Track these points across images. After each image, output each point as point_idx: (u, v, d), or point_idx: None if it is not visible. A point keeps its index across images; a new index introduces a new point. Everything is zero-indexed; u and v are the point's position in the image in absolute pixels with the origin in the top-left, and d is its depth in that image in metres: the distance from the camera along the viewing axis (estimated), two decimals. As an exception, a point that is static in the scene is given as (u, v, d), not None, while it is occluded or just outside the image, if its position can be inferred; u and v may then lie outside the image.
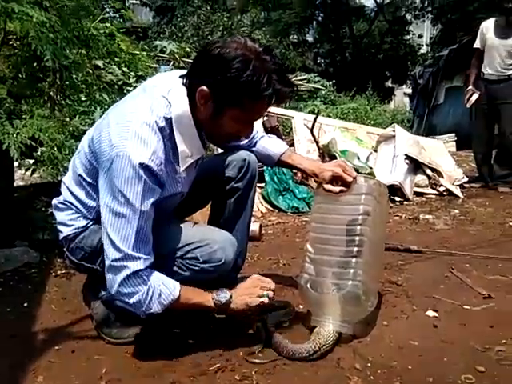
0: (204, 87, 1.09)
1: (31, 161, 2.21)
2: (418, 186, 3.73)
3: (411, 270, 1.98)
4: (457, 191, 3.69)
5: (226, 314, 1.22)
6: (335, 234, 1.33)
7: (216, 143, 1.34)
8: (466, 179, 4.01)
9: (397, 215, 3.10)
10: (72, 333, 1.40)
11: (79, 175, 1.25)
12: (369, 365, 1.19)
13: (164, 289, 1.12)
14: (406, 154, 3.69)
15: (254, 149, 1.51)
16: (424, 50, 19.66)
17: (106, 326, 1.33)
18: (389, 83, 20.38)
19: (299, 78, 9.18)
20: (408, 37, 19.10)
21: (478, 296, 1.65)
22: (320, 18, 19.68)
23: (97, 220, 1.27)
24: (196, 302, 1.17)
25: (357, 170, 3.37)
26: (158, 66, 5.37)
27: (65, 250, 1.35)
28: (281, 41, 16.89)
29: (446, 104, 8.01)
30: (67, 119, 2.52)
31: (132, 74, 3.84)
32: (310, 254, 1.36)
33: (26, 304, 1.63)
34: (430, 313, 1.52)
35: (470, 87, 3.70)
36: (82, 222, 1.29)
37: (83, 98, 2.95)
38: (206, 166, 1.41)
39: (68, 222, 1.30)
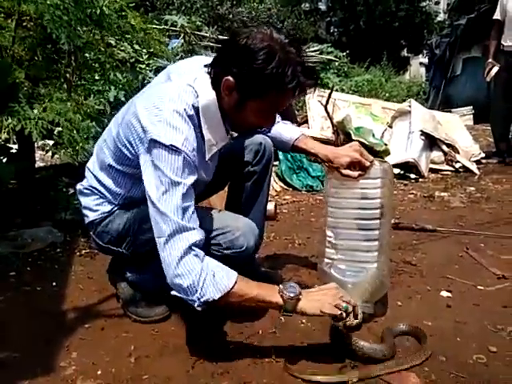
0: (229, 77, 1.09)
1: (51, 142, 2.26)
2: (433, 162, 3.71)
3: (425, 249, 2.01)
4: (473, 167, 3.66)
5: (295, 312, 1.09)
6: (355, 218, 1.35)
7: (239, 132, 1.36)
8: (482, 155, 3.97)
9: (412, 193, 3.10)
10: (100, 311, 1.47)
11: (107, 163, 1.28)
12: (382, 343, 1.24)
13: (219, 271, 1.07)
14: (421, 130, 3.65)
15: (269, 134, 1.53)
16: (441, 17, 18.95)
17: (133, 305, 1.40)
18: (404, 53, 19.81)
19: (312, 49, 8.99)
20: (424, 3, 18.40)
21: (491, 276, 1.68)
22: (334, -15, 19.02)
23: (122, 206, 1.33)
24: (258, 295, 1.08)
25: (372, 148, 3.36)
26: (168, 39, 5.32)
27: (91, 233, 1.40)
28: (292, 10, 16.43)
29: (463, 75, 7.80)
30: (82, 99, 2.55)
31: (144, 51, 3.82)
32: (329, 238, 1.39)
33: (54, 283, 1.70)
34: (444, 293, 1.56)
35: (490, 60, 3.61)
36: (107, 207, 1.33)
37: (96, 77, 2.97)
38: (224, 150, 1.44)
39: (94, 207, 1.34)
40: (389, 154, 3.52)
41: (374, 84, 11.22)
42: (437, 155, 3.73)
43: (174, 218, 1.06)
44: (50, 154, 2.38)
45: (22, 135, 2.15)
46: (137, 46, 3.55)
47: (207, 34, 5.52)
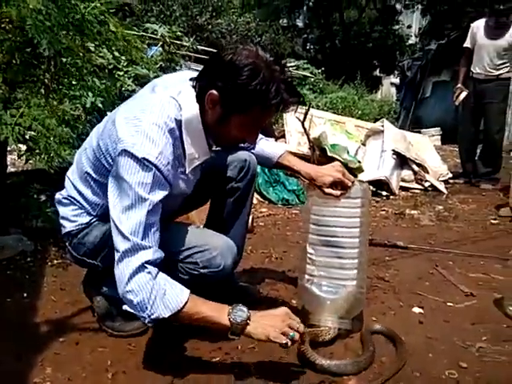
0: (214, 91, 1.11)
1: (23, 147, 2.20)
2: (404, 180, 3.83)
3: (398, 265, 2.07)
4: (441, 187, 3.81)
5: (241, 335, 1.11)
6: (335, 236, 1.38)
7: (222, 146, 1.37)
8: (450, 175, 4.14)
9: (383, 210, 3.19)
10: (74, 324, 1.43)
11: (86, 172, 1.26)
12: (348, 358, 1.26)
13: (170, 290, 1.08)
14: (393, 150, 3.78)
15: (252, 151, 1.54)
16: (412, 40, 19.76)
17: (109, 319, 1.38)
18: (376, 72, 20.47)
19: (289, 64, 9.17)
20: (397, 27, 19.16)
21: (460, 293, 1.74)
22: (311, 3, 19.51)
23: (100, 217, 1.30)
24: (207, 317, 1.10)
25: (346, 164, 3.45)
26: (147, 47, 5.30)
27: (67, 244, 1.38)
28: (270, 25, 16.73)
29: (432, 98, 8.13)
30: (58, 104, 2.50)
31: (123, 58, 3.79)
32: (310, 255, 1.42)
33: (25, 294, 1.65)
34: (416, 309, 1.61)
35: (459, 85, 3.79)
36: (86, 219, 1.31)
37: (73, 82, 2.92)
38: (207, 165, 1.44)
39: (71, 218, 1.32)
40: (362, 171, 3.62)
41: (348, 101, 11.52)
42: (407, 174, 3.86)
43: (131, 236, 1.06)
44: (22, 158, 2.33)
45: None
46: (116, 53, 3.52)
47: (187, 44, 5.54)
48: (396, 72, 18.74)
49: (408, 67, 9.01)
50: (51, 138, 1.95)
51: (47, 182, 2.69)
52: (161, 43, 5.76)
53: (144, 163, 1.07)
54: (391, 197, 3.59)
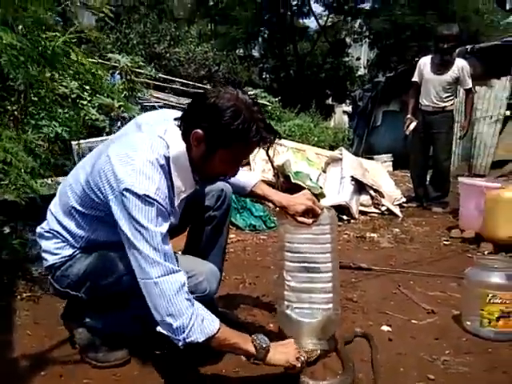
0: (199, 130, 1.19)
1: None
2: (362, 205, 4.03)
3: (364, 286, 2.20)
4: (396, 211, 4.05)
5: (263, 361, 1.22)
6: (310, 262, 1.48)
7: (205, 180, 1.44)
8: (403, 199, 4.40)
9: (345, 233, 3.35)
10: (55, 357, 1.42)
11: (71, 206, 1.30)
12: (338, 377, 1.35)
13: (207, 316, 1.16)
14: (351, 176, 3.99)
15: (228, 180, 1.61)
16: (361, 71, 20.91)
17: (92, 351, 1.38)
18: (329, 101, 21.38)
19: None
20: (347, 58, 20.23)
21: (422, 311, 1.88)
22: (266, 35, 20.26)
23: (83, 249, 1.35)
24: (236, 342, 1.20)
25: (309, 190, 3.59)
26: (110, 75, 5.33)
27: (49, 277, 1.39)
28: (228, 54, 17.17)
29: (382, 126, 8.63)
30: (25, 135, 2.48)
31: (87, 87, 3.80)
32: (287, 281, 1.49)
33: (-4, 330, 1.61)
34: (385, 327, 1.72)
35: (409, 116, 4.09)
36: (69, 251, 1.34)
37: (38, 112, 2.91)
38: (187, 196, 1.50)
39: (54, 251, 1.34)
40: (324, 196, 3.78)
41: (304, 129, 11.93)
42: (365, 199, 4.07)
43: (161, 261, 1.12)
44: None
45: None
46: (79, 82, 3.54)
47: (149, 73, 5.62)
48: (348, 101, 19.71)
49: (360, 97, 9.56)
50: (22, 170, 1.94)
51: (10, 214, 2.62)
52: (118, 71, 5.82)
53: (145, 199, 1.13)
54: (352, 221, 3.76)
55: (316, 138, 11.43)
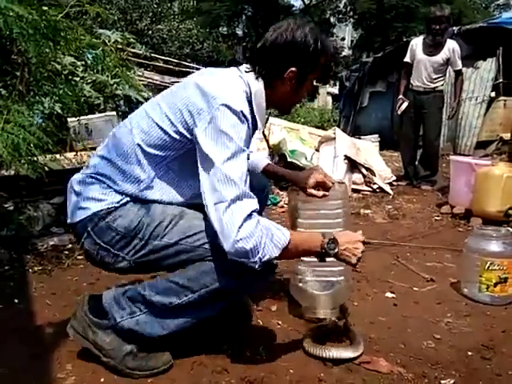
0: (293, 68, 1.24)
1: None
2: (355, 183, 4.13)
3: (364, 258, 2.23)
4: (387, 188, 4.16)
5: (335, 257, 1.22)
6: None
7: (289, 111, 1.46)
8: (394, 178, 4.52)
9: (341, 210, 3.45)
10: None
11: (136, 145, 1.19)
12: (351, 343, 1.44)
13: (275, 230, 1.12)
14: (345, 155, 4.07)
15: None
16: (346, 52, 20.88)
17: (129, 359, 1.20)
18: (314, 82, 21.31)
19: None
20: (332, 39, 20.11)
21: (422, 280, 1.99)
22: (249, 13, 19.94)
23: (134, 197, 1.20)
24: (307, 247, 1.19)
25: (303, 168, 3.67)
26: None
27: (89, 229, 1.18)
28: (210, 32, 16.89)
29: (369, 107, 8.70)
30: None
31: (79, 63, 3.73)
32: None
33: (16, 300, 1.64)
34: (389, 294, 1.83)
35: (401, 96, 4.17)
36: (117, 197, 1.19)
37: (32, 88, 2.87)
38: None
39: (99, 196, 1.18)
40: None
41: (290, 109, 11.97)
42: (358, 177, 4.17)
43: (239, 183, 1.08)
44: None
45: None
46: (72, 58, 3.48)
47: (141, 51, 5.52)
48: (332, 82, 19.71)
49: (346, 78, 9.57)
50: (31, 145, 1.94)
51: (12, 191, 2.61)
52: (101, 46, 5.70)
53: (240, 116, 1.13)
54: (345, 198, 3.86)
55: (302, 119, 11.51)
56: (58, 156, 2.43)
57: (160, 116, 1.20)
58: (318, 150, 4.38)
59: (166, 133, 1.18)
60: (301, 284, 1.56)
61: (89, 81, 3.95)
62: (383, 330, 1.51)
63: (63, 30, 2.41)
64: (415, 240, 2.65)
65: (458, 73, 4.10)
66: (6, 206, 2.42)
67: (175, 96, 1.21)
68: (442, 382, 1.20)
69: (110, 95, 4.06)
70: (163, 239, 1.17)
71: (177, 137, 1.18)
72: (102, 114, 3.60)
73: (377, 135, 7.62)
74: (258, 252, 1.08)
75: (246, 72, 1.27)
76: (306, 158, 3.87)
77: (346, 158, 4.10)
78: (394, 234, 2.81)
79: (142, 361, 1.20)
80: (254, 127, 1.26)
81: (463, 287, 1.83)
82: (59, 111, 3.20)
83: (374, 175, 4.25)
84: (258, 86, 1.26)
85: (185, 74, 8.66)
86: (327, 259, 1.23)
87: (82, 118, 3.36)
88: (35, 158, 2.00)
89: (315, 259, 1.39)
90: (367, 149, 4.73)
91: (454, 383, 1.20)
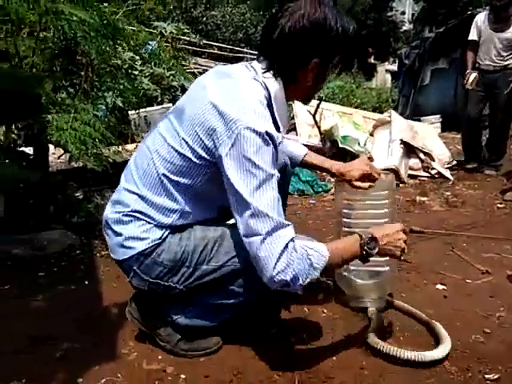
0: (315, 59, 1.15)
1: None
2: (411, 168, 4.01)
3: (416, 248, 2.26)
4: (447, 174, 4.00)
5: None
6: (367, 227, 1.56)
7: (306, 101, 1.40)
8: (454, 162, 4.32)
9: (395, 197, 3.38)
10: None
11: (162, 175, 1.17)
12: (397, 328, 1.46)
13: (313, 252, 1.09)
14: (401, 139, 3.95)
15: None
16: (406, 27, 19.83)
17: (184, 344, 1.31)
18: (371, 60, 20.54)
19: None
20: (391, 13, 19.23)
21: (476, 272, 1.93)
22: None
23: (173, 228, 1.20)
24: (348, 258, 1.17)
25: (357, 155, 3.62)
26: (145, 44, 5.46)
27: (135, 268, 1.22)
28: (264, 14, 16.74)
29: (430, 85, 8.28)
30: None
31: (137, 57, 3.92)
32: None
33: (86, 282, 1.83)
34: (439, 286, 1.80)
35: (469, 70, 3.86)
36: (158, 233, 1.19)
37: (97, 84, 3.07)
38: None
39: (141, 235, 1.19)
40: (372, 160, 3.78)
41: (346, 90, 11.69)
42: (415, 162, 4.04)
43: (271, 214, 1.04)
44: (63, 159, 2.49)
45: (38, 141, 2.26)
46: (131, 53, 3.67)
47: (195, 40, 5.68)
48: (391, 59, 18.86)
49: (406, 55, 9.13)
50: (97, 140, 2.11)
51: (82, 181, 2.86)
52: (158, 39, 5.91)
53: (265, 137, 1.06)
54: (401, 185, 3.77)
55: (359, 100, 11.20)
56: (120, 148, 2.61)
57: (179, 142, 1.16)
58: (372, 135, 4.30)
59: (188, 159, 1.15)
60: (346, 273, 1.60)
61: (147, 74, 4.15)
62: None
63: (122, 28, 2.56)
64: (474, 229, 2.55)
65: None
66: (76, 195, 2.66)
67: (190, 117, 1.15)
68: (487, 376, 1.19)
69: (167, 87, 4.25)
70: (210, 263, 1.20)
71: (200, 162, 1.14)
72: (159, 107, 3.78)
73: (438, 116, 7.29)
74: (299, 279, 1.07)
75: (263, 71, 1.18)
76: (359, 144, 3.82)
77: (402, 142, 3.98)
78: (451, 222, 2.72)
79: (195, 343, 1.31)
80: (277, 130, 1.16)
81: (521, 281, 1.76)
82: (120, 105, 3.42)
83: (433, 160, 4.10)
84: (276, 87, 1.18)
85: (238, 60, 8.75)
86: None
87: (141, 110, 3.57)
88: (100, 152, 2.17)
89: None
90: (426, 131, 4.55)
91: (498, 378, 1.18)
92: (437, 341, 1.35)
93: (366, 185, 1.52)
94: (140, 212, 1.19)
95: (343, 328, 1.45)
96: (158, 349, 1.33)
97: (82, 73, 2.34)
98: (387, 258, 1.52)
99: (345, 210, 1.62)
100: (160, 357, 1.29)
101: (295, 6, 1.13)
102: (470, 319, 1.52)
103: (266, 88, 1.16)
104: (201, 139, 1.12)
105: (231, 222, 1.23)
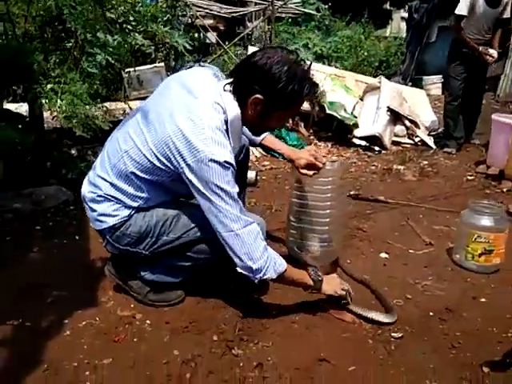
0: (258, 95, 1.32)
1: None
2: (396, 135, 4.16)
3: (376, 218, 2.49)
4: (430, 142, 4.14)
5: (319, 291, 1.50)
6: (312, 208, 1.81)
7: (257, 134, 1.63)
8: (441, 129, 4.41)
9: (373, 165, 3.57)
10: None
11: (130, 172, 1.39)
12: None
13: (278, 259, 1.40)
14: (388, 107, 4.06)
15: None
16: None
17: (153, 295, 1.58)
18: (387, 6, 19.60)
19: (294, 0, 8.99)
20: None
21: (421, 243, 2.17)
22: None
23: (138, 208, 1.45)
24: (298, 278, 1.47)
25: (343, 121, 3.77)
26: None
27: (108, 237, 1.49)
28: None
29: (437, 43, 8.09)
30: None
31: (131, 12, 3.98)
32: (293, 223, 1.87)
33: (77, 237, 2.10)
34: (383, 254, 2.05)
35: (481, 48, 3.71)
36: (126, 212, 1.44)
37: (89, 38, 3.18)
38: None
39: (112, 213, 1.44)
40: (357, 126, 3.94)
41: (354, 41, 11.32)
42: (400, 129, 4.17)
43: (239, 215, 1.32)
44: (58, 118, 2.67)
45: (33, 106, 2.44)
46: (123, 8, 3.72)
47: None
48: (407, 6, 17.96)
49: (416, 9, 8.82)
50: (86, 107, 2.30)
51: (75, 139, 3.06)
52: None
53: (224, 165, 1.28)
54: (383, 152, 3.93)
55: (365, 53, 10.90)
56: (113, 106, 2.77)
57: (148, 150, 1.36)
58: (362, 100, 4.39)
59: (155, 165, 1.36)
60: (290, 244, 1.92)
61: (141, 29, 4.21)
62: (363, 287, 1.76)
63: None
64: (435, 201, 2.76)
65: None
66: (71, 152, 2.88)
67: (159, 134, 1.34)
68: (393, 334, 1.46)
69: (161, 43, 4.30)
70: (169, 235, 1.47)
71: (166, 169, 1.36)
72: (152, 66, 3.87)
73: (440, 76, 7.22)
74: (261, 272, 1.37)
75: (225, 90, 1.36)
76: (345, 110, 3.94)
77: (389, 109, 4.09)
78: (417, 193, 2.93)
79: (161, 295, 1.59)
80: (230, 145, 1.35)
81: (455, 253, 2.00)
82: (113, 62, 3.54)
83: (418, 127, 4.22)
84: (234, 112, 1.36)
85: (243, 4, 8.49)
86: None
87: (133, 69, 3.67)
88: (89, 115, 2.35)
89: (305, 224, 1.73)
90: (416, 97, 4.63)
91: (401, 336, 1.45)
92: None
93: (311, 173, 1.73)
94: (111, 196, 1.44)
95: (289, 288, 1.71)
96: (131, 299, 1.61)
97: (72, 40, 2.46)
98: (327, 236, 1.80)
99: (294, 191, 1.88)
100: (132, 305, 1.58)
101: (275, 52, 1.33)
102: (398, 285, 1.78)
103: (225, 112, 1.35)
104: (168, 156, 1.33)
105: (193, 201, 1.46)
